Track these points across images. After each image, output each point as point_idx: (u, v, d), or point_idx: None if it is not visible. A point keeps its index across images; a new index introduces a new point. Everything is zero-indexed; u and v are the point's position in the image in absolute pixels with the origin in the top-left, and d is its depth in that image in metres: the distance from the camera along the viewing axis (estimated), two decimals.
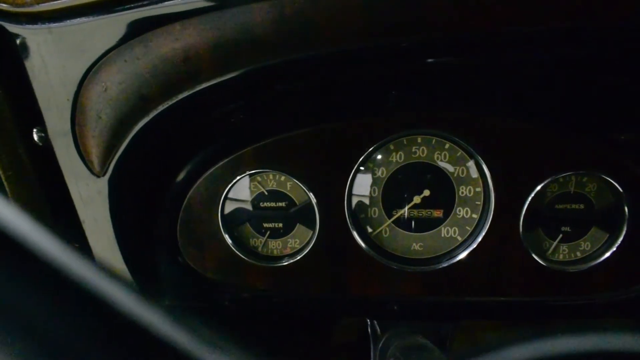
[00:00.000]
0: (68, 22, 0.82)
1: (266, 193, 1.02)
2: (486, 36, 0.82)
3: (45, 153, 0.96)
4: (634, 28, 0.79)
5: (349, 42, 0.78)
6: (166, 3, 0.78)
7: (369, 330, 1.04)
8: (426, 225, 1.02)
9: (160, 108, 0.87)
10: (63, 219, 1.03)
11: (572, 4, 0.74)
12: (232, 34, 0.79)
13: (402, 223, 1.02)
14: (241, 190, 1.02)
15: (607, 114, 0.98)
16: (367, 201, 1.01)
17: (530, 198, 0.95)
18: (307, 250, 1.00)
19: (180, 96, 0.86)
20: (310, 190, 0.98)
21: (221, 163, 0.98)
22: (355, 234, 0.99)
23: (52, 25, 0.83)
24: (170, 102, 0.87)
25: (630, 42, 0.86)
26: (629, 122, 0.98)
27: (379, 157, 0.98)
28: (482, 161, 0.94)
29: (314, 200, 0.98)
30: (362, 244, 0.99)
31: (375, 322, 1.04)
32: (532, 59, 0.92)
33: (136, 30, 0.80)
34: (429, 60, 0.87)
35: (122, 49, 0.82)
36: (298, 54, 0.80)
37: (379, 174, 1.00)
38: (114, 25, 0.81)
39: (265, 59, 0.81)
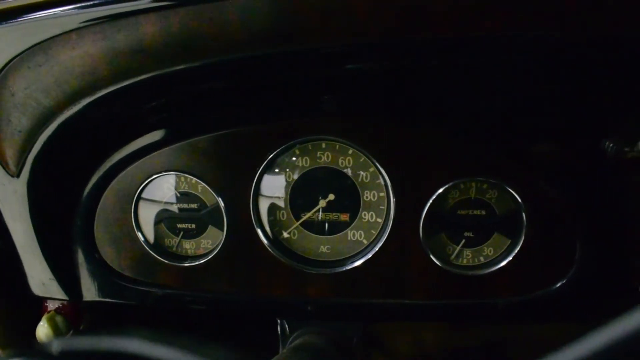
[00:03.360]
0: None
1: (179, 195, 1.06)
2: (377, 44, 0.84)
3: None
4: (540, 34, 0.81)
5: (233, 52, 0.82)
6: (61, 13, 0.82)
7: (279, 329, 1.08)
8: (334, 228, 1.05)
9: (67, 113, 0.91)
10: None
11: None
12: (124, 44, 0.82)
13: (311, 226, 1.05)
14: (155, 191, 1.06)
15: (509, 124, 0.99)
16: (279, 203, 1.05)
17: (429, 203, 0.97)
18: (216, 252, 1.03)
19: (84, 102, 0.90)
20: (217, 193, 1.01)
21: (134, 164, 1.02)
22: (261, 235, 1.02)
23: None
24: (75, 108, 0.90)
25: (537, 49, 0.88)
26: (530, 133, 0.99)
27: (286, 161, 1.02)
28: (379, 166, 0.97)
29: (221, 203, 1.01)
30: (268, 246, 1.02)
31: (285, 322, 1.08)
32: (435, 64, 0.94)
33: (35, 38, 0.84)
34: (319, 68, 0.90)
35: (24, 56, 0.86)
36: (187, 64, 0.83)
37: (287, 177, 1.03)
38: (14, 32, 0.84)
39: (157, 68, 0.85)
